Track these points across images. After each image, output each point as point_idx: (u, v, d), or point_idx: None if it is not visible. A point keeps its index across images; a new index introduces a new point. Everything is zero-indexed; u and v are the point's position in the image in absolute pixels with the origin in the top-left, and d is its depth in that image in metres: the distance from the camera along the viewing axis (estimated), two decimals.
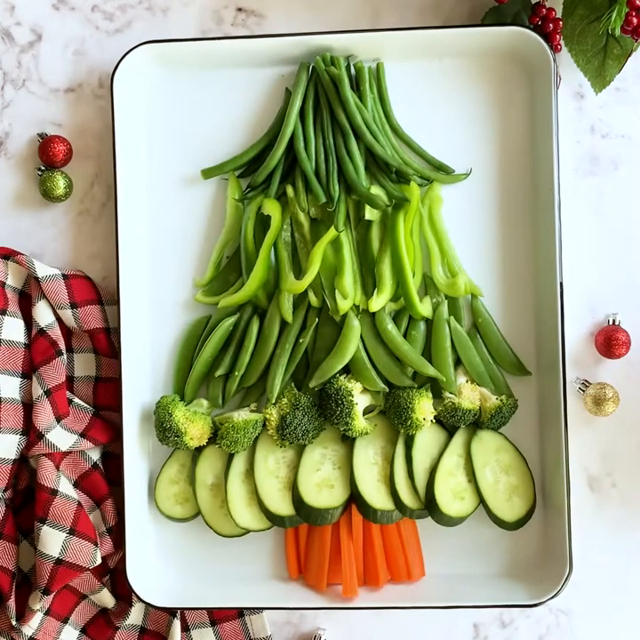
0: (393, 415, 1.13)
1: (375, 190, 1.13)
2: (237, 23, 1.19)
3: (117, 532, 1.17)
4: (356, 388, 1.14)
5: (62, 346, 1.15)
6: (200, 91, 1.17)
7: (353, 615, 1.20)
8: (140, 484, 1.16)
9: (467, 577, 1.17)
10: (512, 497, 1.14)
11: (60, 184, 1.17)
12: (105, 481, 1.16)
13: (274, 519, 1.15)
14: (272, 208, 1.13)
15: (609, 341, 1.15)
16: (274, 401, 1.14)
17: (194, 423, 1.13)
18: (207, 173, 1.17)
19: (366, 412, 1.15)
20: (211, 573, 1.19)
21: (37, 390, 1.13)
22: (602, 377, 1.18)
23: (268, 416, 1.14)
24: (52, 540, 1.11)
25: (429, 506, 1.14)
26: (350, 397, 1.12)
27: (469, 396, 1.14)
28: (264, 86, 1.17)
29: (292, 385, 1.15)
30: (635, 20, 1.08)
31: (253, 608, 1.18)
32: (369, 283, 1.15)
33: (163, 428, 1.13)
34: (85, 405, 1.17)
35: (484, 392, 1.15)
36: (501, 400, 1.14)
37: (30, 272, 1.14)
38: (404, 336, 1.15)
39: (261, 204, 1.15)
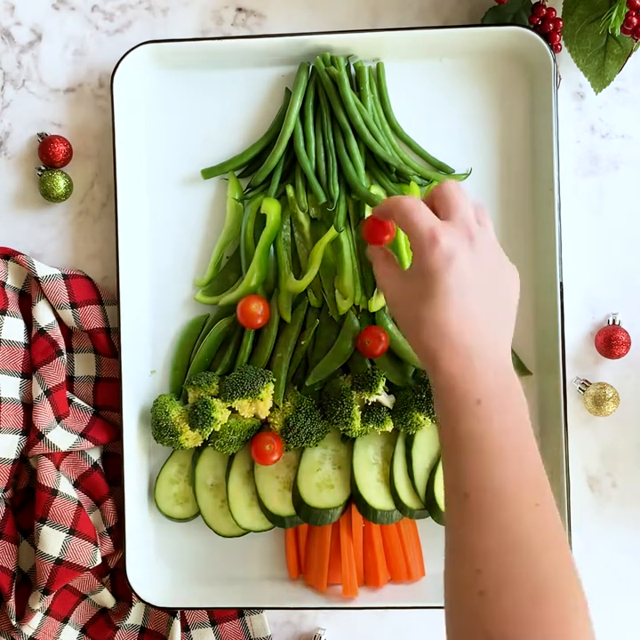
0: (393, 415, 1.13)
1: (375, 190, 1.13)
2: (237, 23, 1.19)
3: (117, 532, 1.17)
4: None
5: (62, 346, 1.15)
6: (200, 91, 1.17)
7: (353, 615, 1.20)
8: (140, 484, 1.16)
9: None
10: None
11: (60, 184, 1.17)
12: (105, 481, 1.16)
13: (274, 519, 1.15)
14: (269, 206, 1.13)
15: (609, 341, 1.15)
16: (278, 405, 1.14)
17: None
18: (207, 173, 1.17)
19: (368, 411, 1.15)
20: (211, 573, 1.19)
21: (37, 390, 1.13)
22: (602, 377, 1.18)
23: (271, 420, 1.14)
24: (52, 540, 1.11)
25: (429, 506, 1.13)
26: (350, 397, 1.12)
27: None
28: (264, 86, 1.17)
29: (295, 388, 1.15)
30: (635, 20, 1.08)
31: (253, 608, 1.18)
32: (369, 283, 1.15)
33: (159, 426, 1.13)
34: (85, 405, 1.17)
35: None
36: None
37: (30, 272, 1.14)
38: None
39: (261, 204, 1.15)
